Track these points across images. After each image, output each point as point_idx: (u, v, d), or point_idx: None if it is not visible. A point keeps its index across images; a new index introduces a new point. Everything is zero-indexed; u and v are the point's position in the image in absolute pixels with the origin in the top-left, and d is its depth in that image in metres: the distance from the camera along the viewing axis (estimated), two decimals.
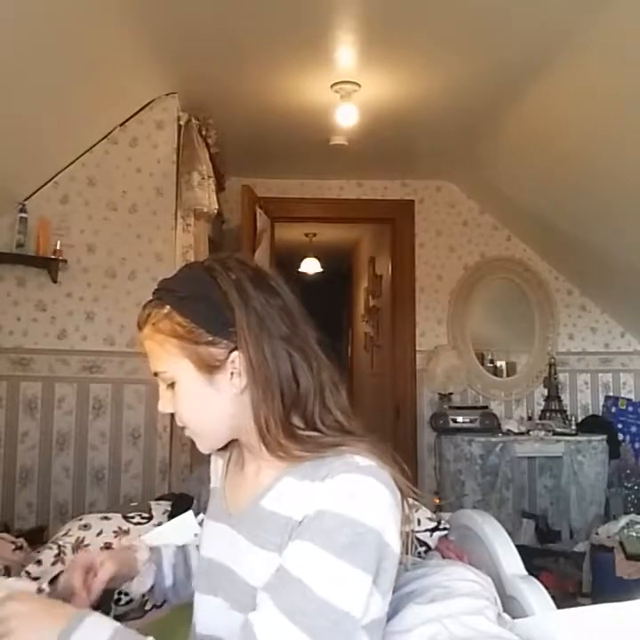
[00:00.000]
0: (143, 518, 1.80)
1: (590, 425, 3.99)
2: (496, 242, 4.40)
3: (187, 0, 2.25)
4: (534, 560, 3.04)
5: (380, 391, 5.10)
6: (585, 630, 1.08)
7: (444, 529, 1.81)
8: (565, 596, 2.82)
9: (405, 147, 3.78)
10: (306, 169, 4.24)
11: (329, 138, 3.48)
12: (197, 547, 1.20)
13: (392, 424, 4.32)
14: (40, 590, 0.91)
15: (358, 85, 2.94)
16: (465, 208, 4.41)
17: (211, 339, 0.89)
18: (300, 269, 6.38)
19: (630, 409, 4.08)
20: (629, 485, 3.71)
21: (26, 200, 2.94)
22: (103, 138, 3.04)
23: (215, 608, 0.93)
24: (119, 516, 1.79)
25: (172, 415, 0.96)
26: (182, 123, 3.09)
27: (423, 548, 1.76)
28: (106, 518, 1.77)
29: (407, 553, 0.88)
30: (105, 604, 1.09)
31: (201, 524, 1.29)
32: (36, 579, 1.56)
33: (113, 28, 2.35)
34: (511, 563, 1.44)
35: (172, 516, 1.80)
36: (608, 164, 2.93)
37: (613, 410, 4.16)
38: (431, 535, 1.79)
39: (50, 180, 3.01)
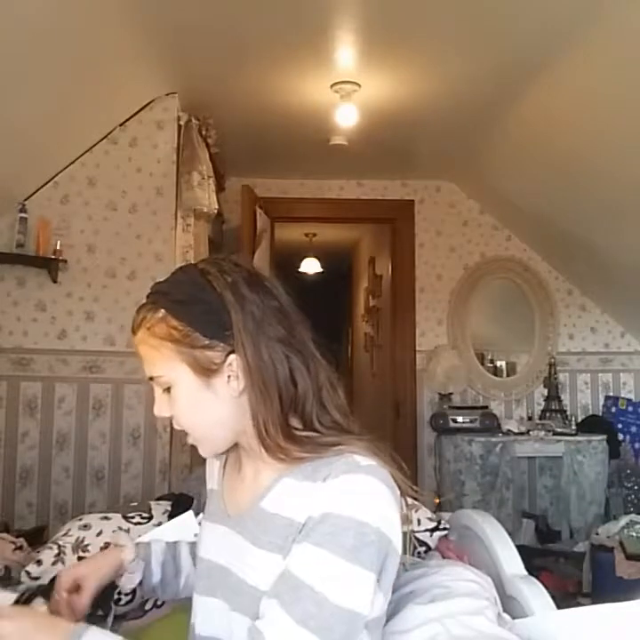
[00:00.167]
0: (143, 518, 1.80)
1: (590, 425, 3.99)
2: (496, 242, 4.40)
3: (187, 0, 2.25)
4: (534, 560, 3.04)
5: (380, 391, 5.10)
6: (585, 630, 1.08)
7: (444, 529, 1.81)
8: (565, 596, 2.82)
9: (405, 147, 3.78)
10: (306, 169, 4.24)
11: (329, 138, 3.48)
12: (192, 545, 1.20)
13: (392, 424, 4.31)
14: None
15: (358, 85, 2.94)
16: (465, 208, 4.41)
17: (207, 342, 0.88)
18: (299, 269, 6.37)
19: (630, 409, 4.08)
20: (629, 485, 3.71)
21: (26, 200, 2.94)
22: (103, 138, 3.04)
23: (214, 609, 0.93)
24: (119, 516, 1.79)
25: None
26: (182, 123, 3.09)
27: (423, 548, 1.76)
28: (106, 518, 1.77)
29: (405, 553, 0.88)
30: (105, 604, 1.09)
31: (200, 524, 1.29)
32: (36, 578, 1.57)
33: (113, 27, 2.35)
34: (511, 563, 1.45)
35: (171, 516, 1.80)
36: (608, 164, 2.93)
37: (613, 410, 4.16)
38: (431, 535, 1.79)
39: (50, 180, 3.01)
